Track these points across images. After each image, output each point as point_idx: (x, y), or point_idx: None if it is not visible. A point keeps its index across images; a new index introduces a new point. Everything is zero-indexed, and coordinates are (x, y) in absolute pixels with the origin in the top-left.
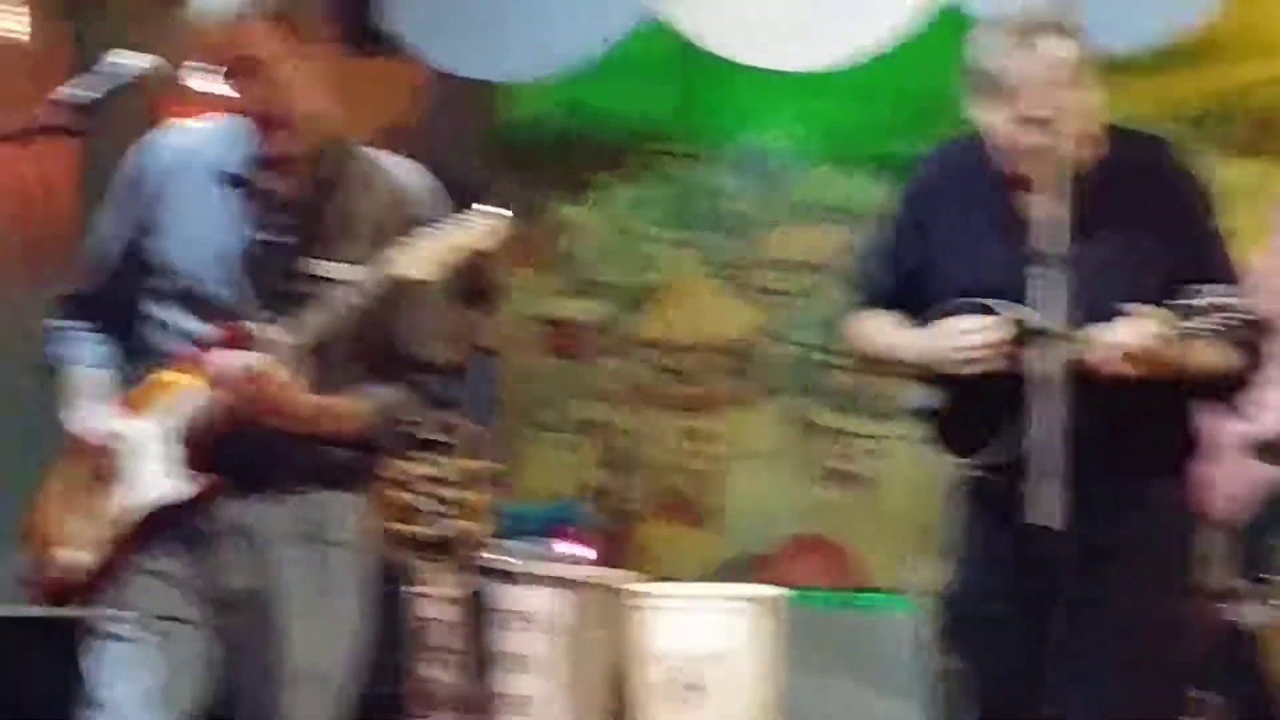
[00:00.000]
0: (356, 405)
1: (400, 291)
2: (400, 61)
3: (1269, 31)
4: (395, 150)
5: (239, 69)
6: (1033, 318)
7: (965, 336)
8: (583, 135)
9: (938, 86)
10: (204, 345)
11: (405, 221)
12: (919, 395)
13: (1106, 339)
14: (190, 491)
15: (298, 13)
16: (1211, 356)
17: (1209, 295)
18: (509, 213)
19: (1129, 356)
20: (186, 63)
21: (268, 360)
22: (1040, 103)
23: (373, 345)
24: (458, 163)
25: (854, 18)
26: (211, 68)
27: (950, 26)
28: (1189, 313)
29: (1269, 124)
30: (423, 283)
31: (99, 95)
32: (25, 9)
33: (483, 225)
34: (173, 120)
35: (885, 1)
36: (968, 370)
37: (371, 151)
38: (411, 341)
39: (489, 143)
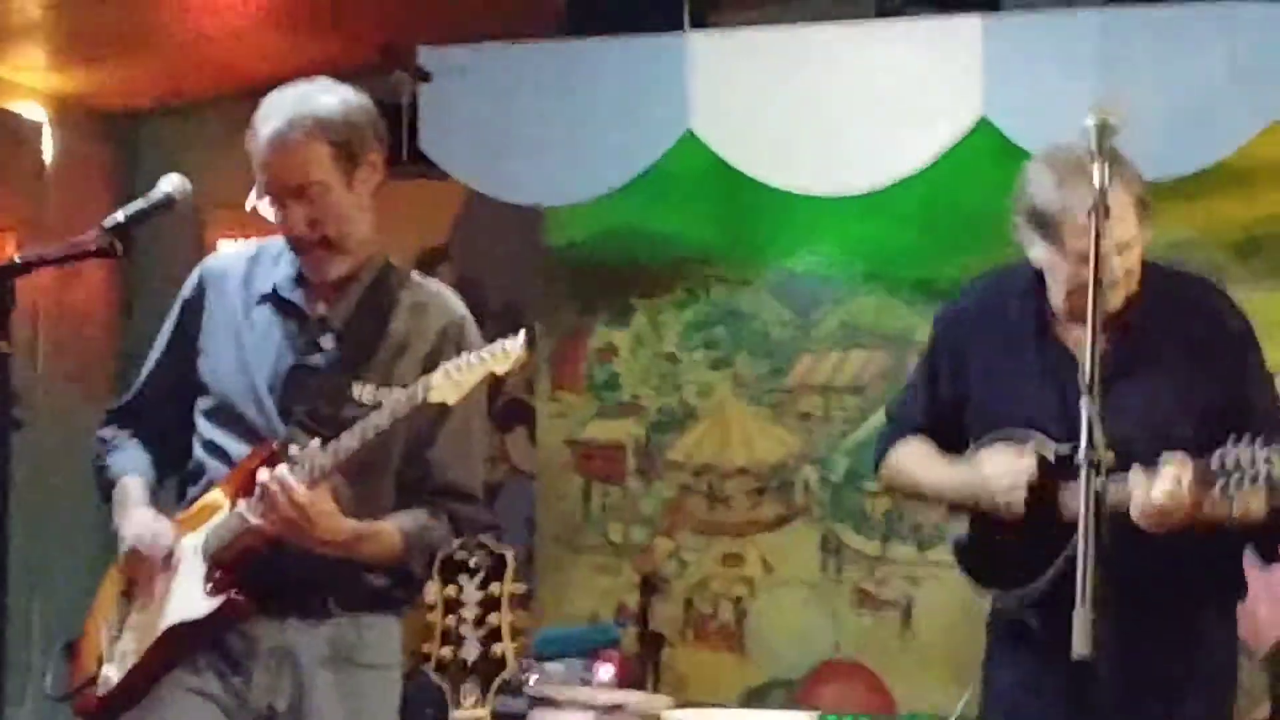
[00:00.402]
0: (392, 530)
1: (430, 416)
2: (441, 184)
3: None
4: (435, 272)
5: (294, 192)
6: (1069, 453)
7: (1000, 476)
8: (623, 258)
9: (974, 206)
10: (241, 467)
11: (451, 350)
12: (956, 528)
13: (1140, 494)
14: (209, 609)
15: (354, 139)
16: (1251, 506)
17: (1247, 445)
18: (527, 340)
19: (1161, 512)
20: (243, 181)
21: (310, 489)
22: (1086, 239)
23: (408, 470)
24: (499, 285)
25: (888, 141)
26: (267, 190)
27: (984, 146)
28: (1226, 464)
29: None
30: (446, 407)
31: (140, 218)
32: (57, 129)
33: (505, 352)
34: (223, 242)
35: (918, 123)
36: (1004, 507)
37: (419, 278)
38: (446, 468)
39: (531, 265)
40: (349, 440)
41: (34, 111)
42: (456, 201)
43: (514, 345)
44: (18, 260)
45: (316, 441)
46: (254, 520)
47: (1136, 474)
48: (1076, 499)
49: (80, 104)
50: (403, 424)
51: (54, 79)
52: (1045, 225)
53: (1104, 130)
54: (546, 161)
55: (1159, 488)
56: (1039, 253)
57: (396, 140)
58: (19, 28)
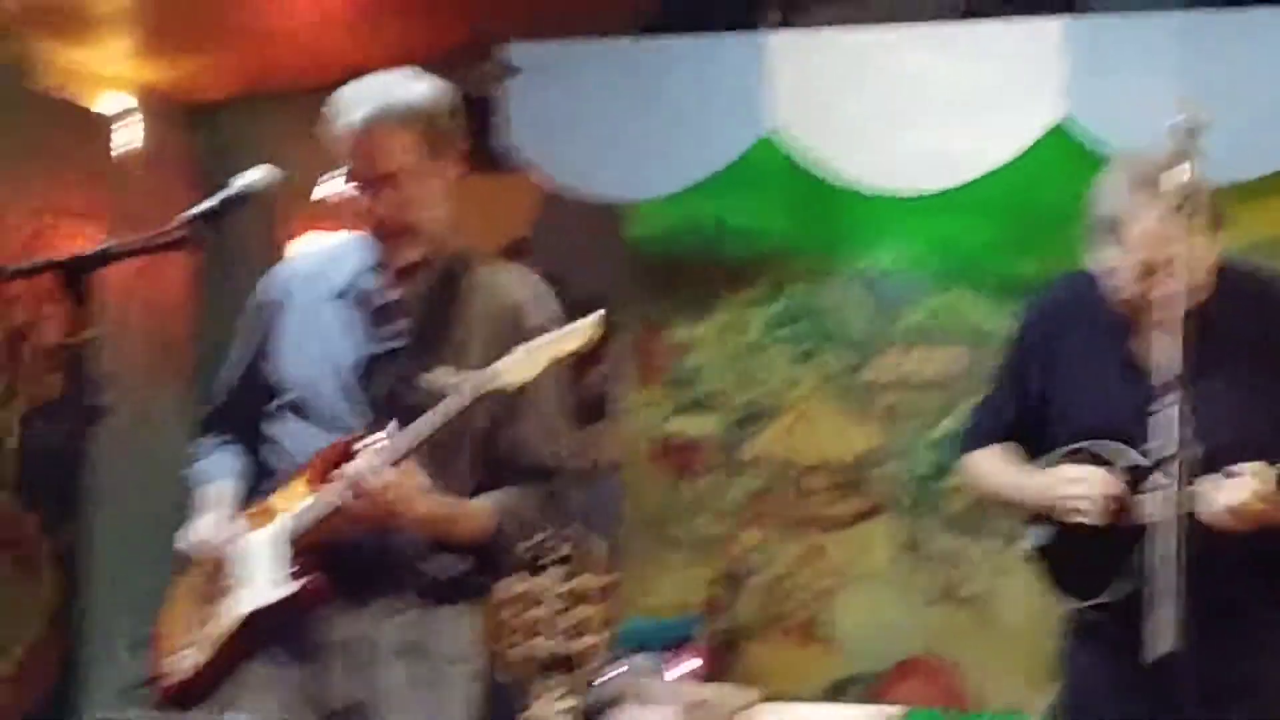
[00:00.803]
0: (484, 509)
1: (510, 396)
2: (524, 179)
3: None
4: (520, 265)
5: (375, 179)
6: (1146, 461)
7: (1075, 487)
8: (705, 253)
9: (1055, 205)
10: (321, 457)
11: (523, 331)
12: (1036, 535)
13: (1215, 498)
14: (288, 593)
15: (443, 128)
16: None
17: None
18: (600, 316)
19: (1236, 516)
20: (324, 173)
21: (401, 468)
22: (1155, 249)
23: (493, 449)
24: (580, 279)
25: (968, 139)
26: (347, 177)
27: (1065, 145)
28: None
29: None
30: (520, 388)
31: (224, 210)
32: (140, 119)
33: (578, 331)
34: (300, 236)
35: (999, 123)
36: (1077, 520)
37: (492, 261)
38: (532, 446)
39: (613, 260)
40: (423, 425)
41: (122, 101)
42: (539, 196)
43: (586, 324)
44: (102, 249)
45: (394, 425)
46: (358, 506)
47: (1213, 479)
48: (1154, 505)
49: (164, 94)
50: (480, 405)
51: (138, 69)
52: (1113, 230)
53: (1192, 130)
54: (628, 157)
55: (1235, 494)
56: (1106, 257)
57: (481, 134)
58: (105, 17)
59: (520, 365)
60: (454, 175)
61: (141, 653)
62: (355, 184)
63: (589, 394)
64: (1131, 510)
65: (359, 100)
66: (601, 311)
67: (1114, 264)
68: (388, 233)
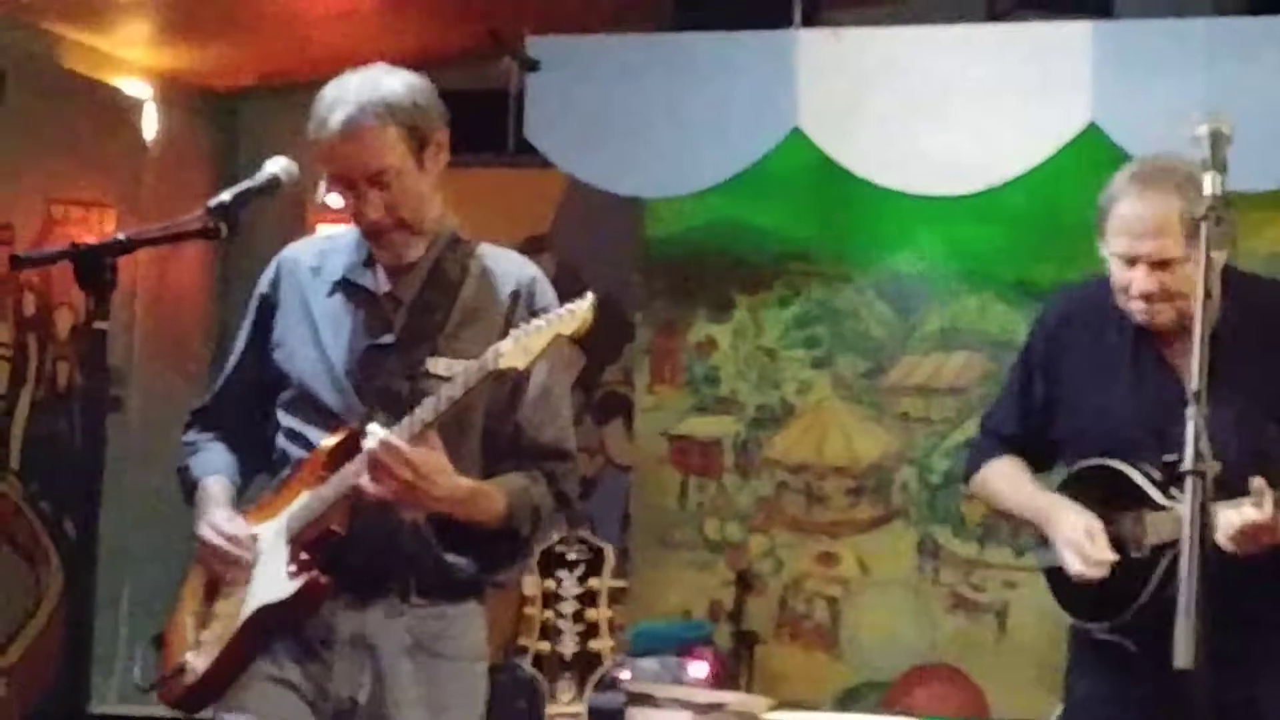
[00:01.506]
0: (496, 491)
1: (513, 380)
2: (545, 173)
3: None
4: (536, 261)
5: (369, 179)
6: (1158, 477)
7: (1067, 550)
8: (725, 253)
9: (1080, 211)
10: (319, 450)
11: (524, 312)
12: (1046, 555)
13: (1224, 520)
14: (290, 592)
15: (422, 121)
16: None
17: None
18: (593, 298)
19: (1246, 537)
20: (317, 175)
21: (427, 451)
22: (1136, 248)
23: (497, 434)
24: (599, 276)
25: (994, 143)
26: (338, 179)
27: (1090, 151)
28: None
29: None
30: (519, 371)
31: (245, 200)
32: (159, 107)
33: (572, 313)
34: (322, 226)
35: (1025, 127)
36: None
37: (486, 246)
38: (536, 428)
39: (632, 258)
40: (422, 413)
41: (138, 88)
42: (559, 191)
43: (581, 306)
44: (120, 238)
45: (393, 419)
46: (370, 489)
47: (1220, 507)
48: (1159, 526)
49: (184, 82)
50: (480, 391)
51: (159, 55)
52: (1101, 219)
53: (1216, 139)
54: (650, 154)
55: (1243, 513)
56: (1114, 264)
57: (502, 128)
58: (124, 3)
59: (515, 350)
60: (440, 165)
61: (152, 653)
62: (341, 187)
63: (604, 393)
64: (1142, 531)
65: (335, 103)
66: (592, 294)
67: (1113, 269)
68: (384, 231)
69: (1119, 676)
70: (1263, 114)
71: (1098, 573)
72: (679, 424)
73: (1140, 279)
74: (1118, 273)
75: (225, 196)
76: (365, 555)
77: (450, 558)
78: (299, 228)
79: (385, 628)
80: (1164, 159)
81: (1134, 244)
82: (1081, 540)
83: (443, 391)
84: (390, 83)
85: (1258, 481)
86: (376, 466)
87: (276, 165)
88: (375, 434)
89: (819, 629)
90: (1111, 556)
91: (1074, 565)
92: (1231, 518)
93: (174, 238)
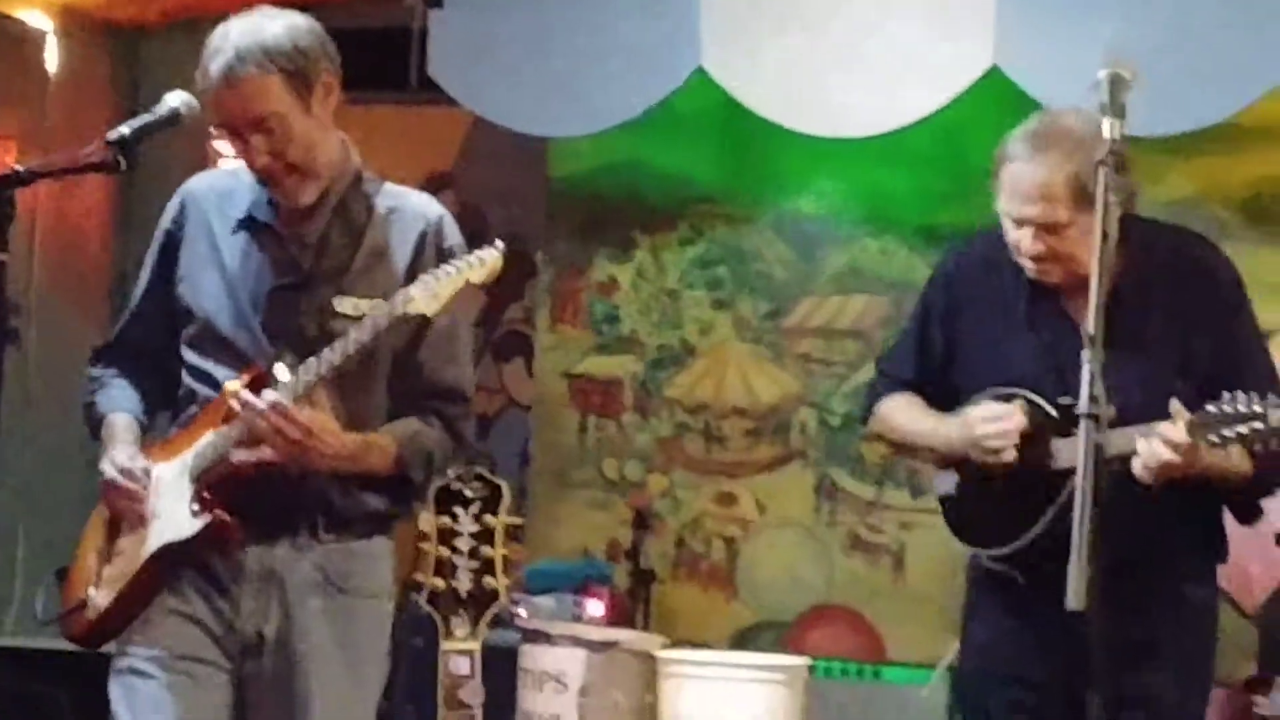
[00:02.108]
0: (387, 440)
1: (415, 323)
2: (449, 111)
3: None
4: (439, 198)
5: (252, 125)
6: (1064, 406)
7: (991, 425)
8: (629, 194)
9: (983, 155)
10: (229, 390)
11: (442, 250)
12: (943, 483)
13: (1142, 445)
14: (193, 531)
15: (305, 64)
16: (1240, 463)
17: (1237, 402)
18: (502, 246)
19: (1163, 464)
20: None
21: (309, 403)
22: (1023, 210)
23: (399, 377)
24: (502, 215)
25: (898, 85)
26: (224, 125)
27: (994, 95)
28: (1216, 421)
29: None
30: (426, 318)
31: (145, 133)
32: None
33: (482, 261)
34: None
35: (929, 69)
36: (991, 460)
37: (392, 185)
38: (434, 370)
39: (534, 196)
40: (330, 356)
41: (39, 20)
42: (463, 129)
43: (489, 255)
44: (19, 170)
45: (290, 360)
46: (253, 456)
47: (1124, 434)
48: (1068, 451)
49: (87, 15)
50: (386, 335)
51: None
52: (994, 174)
53: (1115, 84)
54: (554, 92)
55: (1160, 438)
56: (1005, 221)
57: (405, 65)
58: None
59: (424, 296)
60: (331, 106)
61: (54, 588)
62: (228, 133)
63: (506, 331)
64: (1045, 456)
65: (215, 52)
66: (501, 243)
67: (1005, 223)
68: (275, 176)
69: (1015, 617)
70: (1166, 59)
71: (1012, 440)
72: (580, 363)
73: (1027, 241)
74: (1008, 230)
75: (124, 130)
76: (274, 492)
77: (359, 494)
78: (201, 162)
79: (293, 563)
80: (1061, 118)
81: (1021, 207)
82: (994, 414)
83: (351, 335)
84: (271, 28)
85: (1176, 404)
86: (264, 429)
87: (176, 99)
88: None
89: (716, 569)
90: (1024, 420)
91: (990, 441)
92: (1146, 446)
93: (73, 170)
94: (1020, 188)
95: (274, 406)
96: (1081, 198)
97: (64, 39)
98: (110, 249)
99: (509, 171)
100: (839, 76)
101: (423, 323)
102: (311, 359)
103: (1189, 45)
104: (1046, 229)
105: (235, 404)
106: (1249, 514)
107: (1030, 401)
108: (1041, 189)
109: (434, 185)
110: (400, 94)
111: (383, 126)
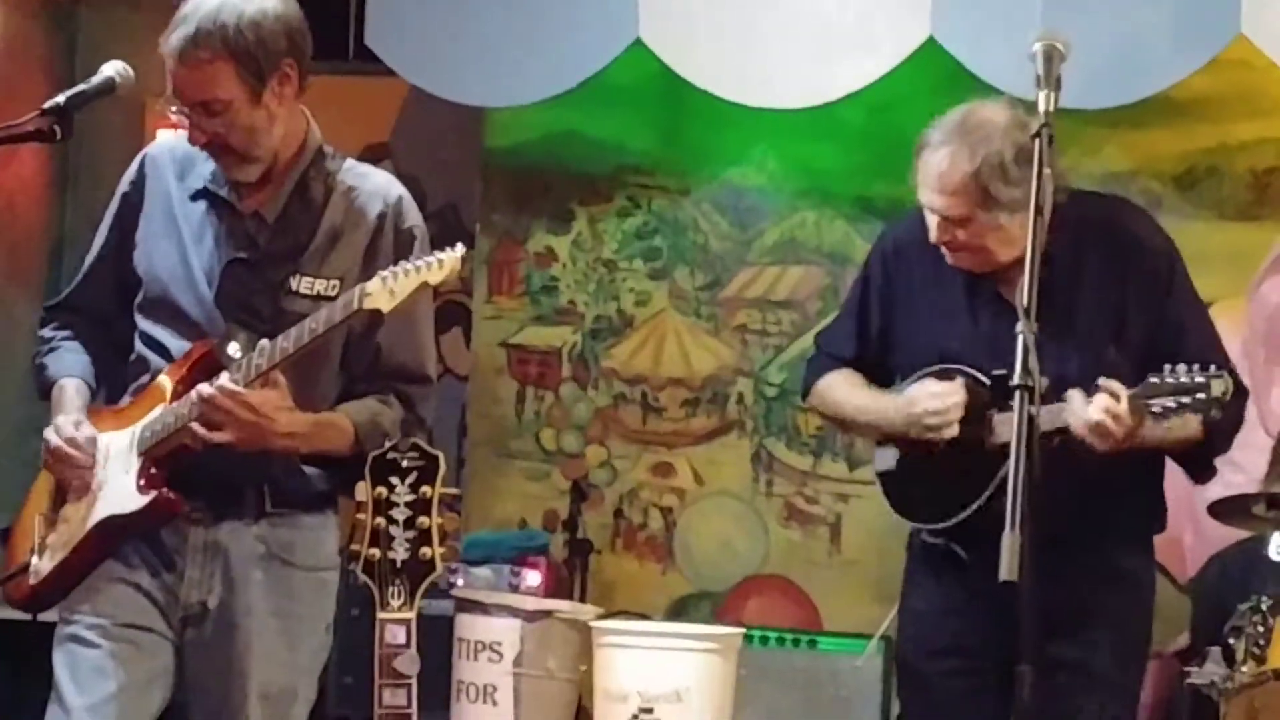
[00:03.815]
0: (343, 420)
1: (371, 315)
2: (385, 81)
3: (1257, 93)
4: (378, 168)
5: (199, 106)
6: (1000, 379)
7: (933, 401)
8: (564, 164)
9: (914, 128)
10: (178, 363)
11: (391, 232)
12: (883, 459)
13: (1080, 411)
14: (137, 506)
15: (262, 55)
16: (1180, 432)
17: (1179, 374)
18: (463, 249)
19: (1101, 430)
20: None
21: (262, 386)
22: (930, 200)
23: (356, 357)
24: (439, 185)
25: (834, 57)
26: (175, 97)
27: (930, 68)
28: (1158, 393)
29: (1258, 186)
30: (380, 314)
31: (81, 102)
32: None
33: (441, 263)
34: (162, 131)
35: (865, 41)
36: (932, 437)
37: (354, 164)
38: (394, 351)
39: (471, 166)
40: (284, 342)
41: None
42: (399, 99)
43: (450, 257)
44: None
45: (244, 338)
46: (210, 435)
47: (1076, 397)
48: (1006, 425)
49: None
50: (341, 328)
51: None
52: (919, 185)
53: (1050, 56)
54: (491, 63)
55: (1097, 406)
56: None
57: (342, 35)
58: None
59: (382, 293)
60: (287, 94)
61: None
62: (179, 103)
63: (443, 302)
64: (984, 431)
65: (181, 21)
66: (463, 247)
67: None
68: (218, 153)
69: (952, 587)
70: (1102, 32)
71: (954, 417)
72: (517, 334)
73: (935, 230)
74: (925, 215)
75: (60, 99)
76: (220, 467)
77: (306, 469)
78: (138, 131)
79: (238, 535)
80: (979, 110)
81: (928, 196)
82: (936, 391)
83: (306, 324)
84: (244, 11)
85: (1104, 380)
86: (216, 413)
87: (112, 68)
88: (217, 381)
89: (653, 539)
90: (965, 397)
91: (932, 419)
92: (1086, 413)
93: (9, 139)
94: (928, 178)
95: (222, 389)
96: (983, 196)
97: (1, 8)
98: (47, 218)
99: (446, 142)
100: (775, 47)
101: (378, 315)
102: (264, 342)
103: (1124, 18)
104: (951, 221)
105: (194, 395)
106: (1202, 473)
107: (970, 377)
108: (944, 182)
109: (371, 156)
110: (337, 64)
111: (319, 96)
